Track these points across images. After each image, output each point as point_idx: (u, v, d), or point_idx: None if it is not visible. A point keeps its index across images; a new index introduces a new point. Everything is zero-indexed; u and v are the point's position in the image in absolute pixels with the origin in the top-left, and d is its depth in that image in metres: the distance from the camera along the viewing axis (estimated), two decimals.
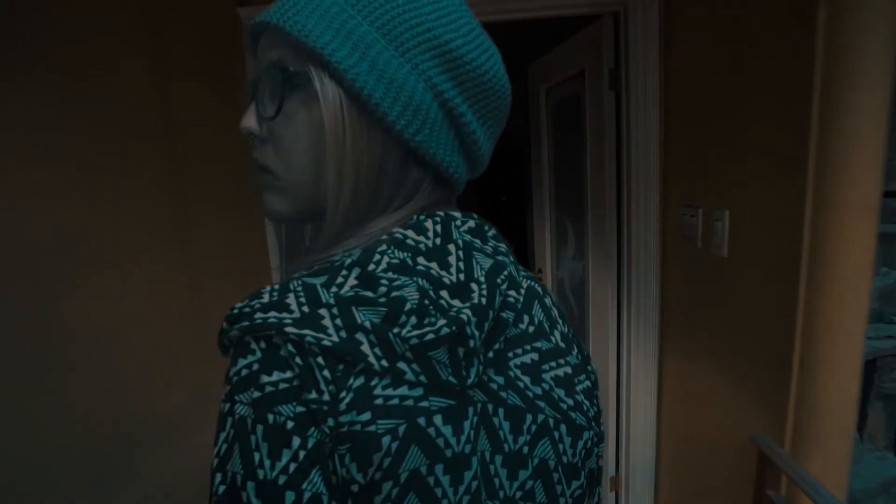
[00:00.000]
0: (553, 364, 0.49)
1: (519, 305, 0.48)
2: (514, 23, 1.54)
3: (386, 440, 0.38)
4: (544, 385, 0.47)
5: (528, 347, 0.48)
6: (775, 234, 0.94)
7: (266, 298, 0.39)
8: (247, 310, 0.39)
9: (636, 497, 1.64)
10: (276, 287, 0.40)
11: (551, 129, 2.10)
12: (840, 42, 0.76)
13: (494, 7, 1.48)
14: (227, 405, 0.37)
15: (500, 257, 0.47)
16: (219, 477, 0.36)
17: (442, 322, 0.39)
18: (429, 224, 0.45)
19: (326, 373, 0.38)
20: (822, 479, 0.81)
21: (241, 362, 0.38)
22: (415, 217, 0.45)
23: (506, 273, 0.46)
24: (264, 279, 1.58)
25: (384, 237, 0.44)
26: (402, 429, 0.39)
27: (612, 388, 1.69)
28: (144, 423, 1.06)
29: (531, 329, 0.49)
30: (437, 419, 0.40)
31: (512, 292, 0.46)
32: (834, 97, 0.78)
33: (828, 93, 0.79)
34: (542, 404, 0.46)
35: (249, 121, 0.45)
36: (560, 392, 0.48)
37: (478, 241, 0.47)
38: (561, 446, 0.47)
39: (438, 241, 0.44)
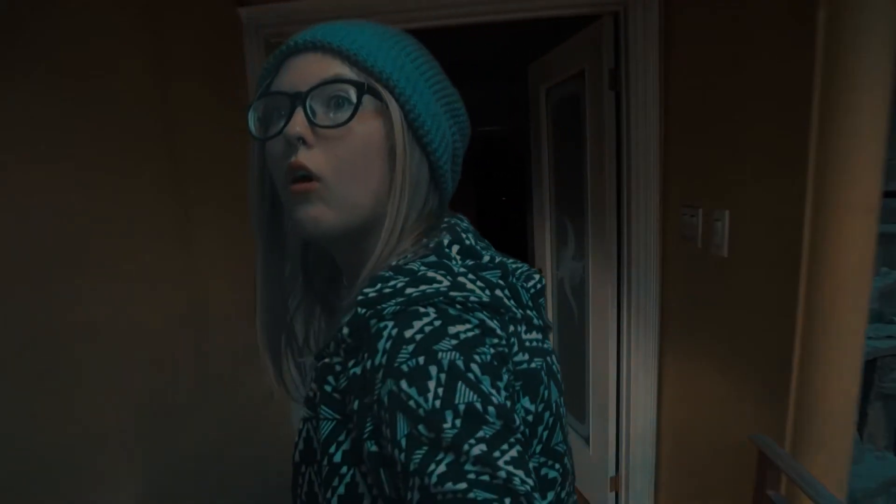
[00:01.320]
0: None
1: None
2: (514, 23, 1.54)
3: (543, 374, 0.48)
4: None
5: None
6: (775, 234, 0.94)
7: (401, 278, 0.45)
8: (388, 290, 0.45)
9: (636, 497, 1.64)
10: (391, 272, 0.46)
11: (551, 129, 2.10)
12: (840, 42, 0.76)
13: (494, 7, 1.48)
14: (422, 357, 0.41)
15: None
16: (450, 414, 0.39)
17: (538, 275, 0.53)
18: (459, 218, 0.56)
19: (496, 322, 0.46)
20: (822, 479, 0.81)
21: (418, 324, 0.42)
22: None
23: None
24: None
25: (443, 225, 0.53)
26: (544, 365, 0.49)
27: (612, 388, 1.69)
28: (144, 423, 1.05)
29: None
30: (553, 358, 0.51)
31: None
32: (834, 97, 0.78)
33: (828, 93, 0.79)
34: None
35: (299, 127, 0.47)
36: None
37: None
38: None
39: (471, 226, 0.55)
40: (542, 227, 2.26)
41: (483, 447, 0.38)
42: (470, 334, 0.43)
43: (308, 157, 0.48)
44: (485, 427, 0.39)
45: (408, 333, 0.42)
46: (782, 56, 0.90)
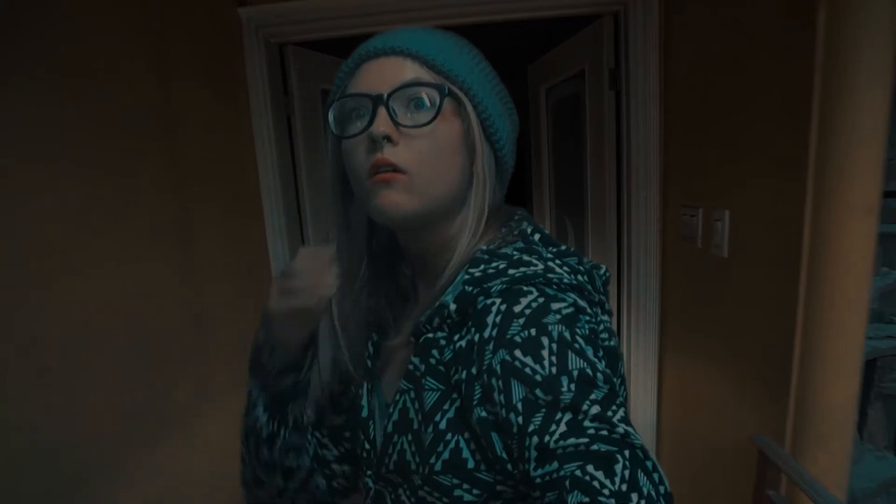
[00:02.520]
0: None
1: None
2: (514, 23, 1.54)
3: (619, 352, 0.54)
4: None
5: None
6: (775, 234, 0.94)
7: (501, 261, 0.51)
8: (492, 270, 0.50)
9: None
10: (488, 255, 0.52)
11: (551, 129, 2.10)
12: (840, 42, 0.76)
13: (494, 7, 1.48)
14: (534, 329, 0.46)
15: None
16: (565, 379, 0.44)
17: (604, 266, 0.57)
18: (525, 210, 0.62)
19: (584, 302, 0.51)
20: (822, 479, 0.81)
21: (524, 300, 0.47)
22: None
23: None
24: (265, 279, 1.58)
25: (516, 216, 0.60)
26: (618, 344, 0.54)
27: None
28: (144, 424, 1.05)
29: None
30: (617, 340, 0.55)
31: None
32: (834, 97, 0.78)
33: (828, 93, 0.78)
34: None
35: (384, 126, 0.51)
36: None
37: None
38: None
39: None
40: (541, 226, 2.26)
41: (598, 408, 0.42)
42: (568, 311, 0.47)
43: (394, 154, 0.51)
44: (595, 390, 0.43)
45: (517, 308, 0.47)
46: (782, 56, 0.90)
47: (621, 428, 0.42)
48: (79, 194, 0.92)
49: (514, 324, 0.46)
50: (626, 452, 0.40)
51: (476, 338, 0.48)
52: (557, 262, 0.52)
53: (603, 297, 0.55)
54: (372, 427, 0.61)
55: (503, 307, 0.48)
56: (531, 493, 0.44)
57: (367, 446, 0.60)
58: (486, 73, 0.57)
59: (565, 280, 0.50)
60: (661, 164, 1.46)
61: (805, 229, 0.84)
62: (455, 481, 0.50)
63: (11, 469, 0.77)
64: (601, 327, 0.52)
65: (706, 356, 1.28)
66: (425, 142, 0.52)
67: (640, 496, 0.39)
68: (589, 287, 0.53)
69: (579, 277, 0.52)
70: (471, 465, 0.49)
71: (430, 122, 0.51)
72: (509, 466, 0.47)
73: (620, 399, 0.44)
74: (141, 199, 1.09)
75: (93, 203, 0.95)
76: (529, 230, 0.57)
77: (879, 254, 1.61)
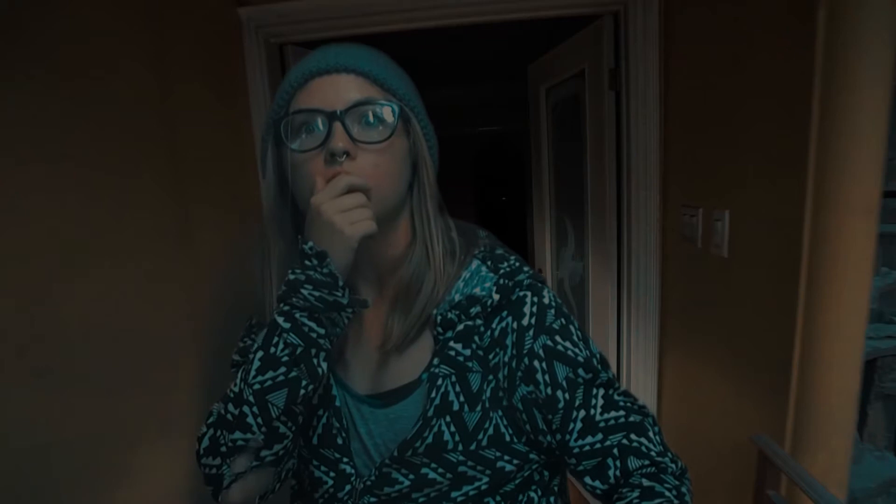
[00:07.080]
0: None
1: None
2: (514, 23, 1.54)
3: None
4: None
5: None
6: (775, 234, 0.94)
7: (512, 261, 0.63)
8: (514, 268, 0.61)
9: None
10: (499, 258, 0.63)
11: (551, 129, 2.10)
12: (840, 41, 0.76)
13: (494, 7, 1.48)
14: (563, 319, 0.58)
15: None
16: (595, 360, 0.57)
17: None
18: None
19: None
20: (822, 478, 0.81)
21: (546, 294, 0.59)
22: None
23: None
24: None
25: (482, 232, 0.70)
26: None
27: None
28: (144, 424, 1.05)
29: None
30: None
31: None
32: (834, 97, 0.78)
33: (828, 93, 0.78)
34: None
35: (342, 143, 0.54)
36: None
37: None
38: None
39: None
40: (542, 227, 2.26)
41: (618, 383, 0.56)
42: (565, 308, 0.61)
43: (353, 167, 0.54)
44: (610, 370, 0.57)
45: (545, 301, 0.58)
46: (782, 56, 0.90)
47: (640, 401, 0.54)
48: (79, 194, 0.92)
49: (548, 314, 0.57)
50: (648, 420, 0.54)
51: (514, 325, 0.57)
52: (525, 267, 0.63)
53: None
54: (346, 416, 0.64)
55: (535, 299, 0.57)
56: (566, 459, 0.54)
57: (343, 434, 0.63)
58: (418, 94, 0.62)
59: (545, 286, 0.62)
60: (661, 164, 1.46)
61: (805, 229, 0.84)
62: (497, 454, 0.57)
63: (11, 469, 0.77)
64: None
65: (706, 356, 1.27)
66: (381, 156, 0.55)
67: (670, 451, 0.56)
68: None
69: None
70: (507, 438, 0.57)
71: (387, 139, 0.55)
72: (540, 437, 0.57)
73: None
74: (141, 199, 1.09)
75: (93, 203, 0.95)
76: (491, 239, 0.68)
77: (879, 254, 1.61)
